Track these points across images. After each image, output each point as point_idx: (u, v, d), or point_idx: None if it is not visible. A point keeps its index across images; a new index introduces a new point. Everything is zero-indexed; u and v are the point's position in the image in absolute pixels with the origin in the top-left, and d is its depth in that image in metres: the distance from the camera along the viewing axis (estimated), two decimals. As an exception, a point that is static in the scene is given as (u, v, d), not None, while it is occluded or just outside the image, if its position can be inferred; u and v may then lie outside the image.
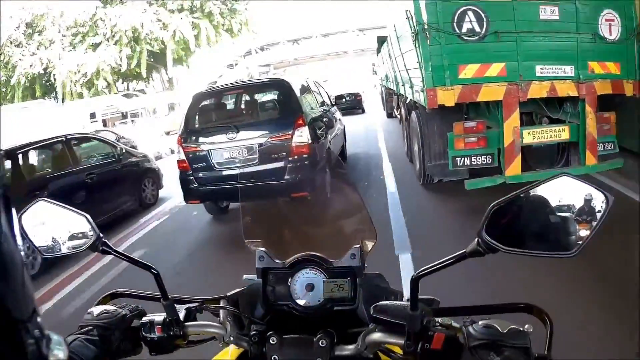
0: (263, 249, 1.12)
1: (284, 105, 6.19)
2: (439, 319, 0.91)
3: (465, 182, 5.54)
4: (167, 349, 1.05)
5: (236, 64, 47.43)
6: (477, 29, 5.15)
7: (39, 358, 0.47)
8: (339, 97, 9.60)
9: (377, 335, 0.93)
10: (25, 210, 1.05)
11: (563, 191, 0.80)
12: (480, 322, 0.85)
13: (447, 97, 5.19)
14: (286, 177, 5.62)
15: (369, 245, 1.13)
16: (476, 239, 0.81)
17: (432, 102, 5.29)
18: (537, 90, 5.34)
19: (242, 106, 7.20)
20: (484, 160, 5.52)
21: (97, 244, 1.03)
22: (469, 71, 5.19)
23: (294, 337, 0.98)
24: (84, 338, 0.95)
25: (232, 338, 1.02)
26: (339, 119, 9.15)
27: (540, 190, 0.80)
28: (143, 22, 28.34)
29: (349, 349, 0.96)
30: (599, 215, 0.77)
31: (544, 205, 0.80)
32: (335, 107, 9.23)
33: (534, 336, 0.83)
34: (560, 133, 5.61)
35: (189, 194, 6.22)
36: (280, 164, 5.69)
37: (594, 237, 0.77)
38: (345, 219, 1.29)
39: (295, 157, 5.63)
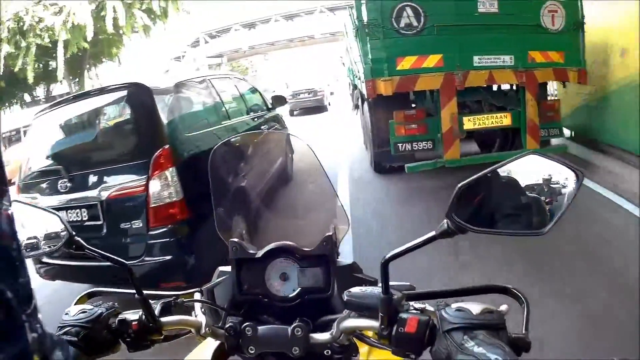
0: (236, 239, 1.34)
1: (138, 132, 4.80)
2: (413, 303, 1.11)
3: (406, 166, 7.27)
4: (144, 345, 1.25)
5: (183, 56, 46.94)
6: (415, 23, 6.87)
7: (40, 356, 0.58)
8: (276, 99, 8.31)
9: (351, 321, 1.14)
10: None
11: (531, 169, 1.00)
12: (453, 305, 1.02)
13: (386, 87, 6.88)
14: (146, 258, 4.40)
15: (341, 232, 1.38)
16: (445, 220, 1.00)
17: (371, 92, 7.08)
18: (475, 79, 7.08)
19: (80, 135, 5.54)
20: (424, 146, 7.27)
21: (71, 242, 1.26)
22: (406, 63, 6.91)
23: (269, 328, 1.20)
24: (61, 339, 1.11)
25: (207, 330, 1.22)
26: (278, 128, 8.13)
27: (508, 169, 1.00)
28: (27, 7, 24.29)
29: (325, 336, 1.17)
30: (570, 192, 0.97)
31: (512, 183, 1.00)
32: (275, 112, 8.41)
33: (512, 317, 1.01)
34: (502, 119, 7.41)
35: (39, 268, 5.08)
36: (136, 236, 4.49)
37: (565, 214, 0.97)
38: (318, 208, 1.58)
39: (158, 223, 4.41)
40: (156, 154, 4.40)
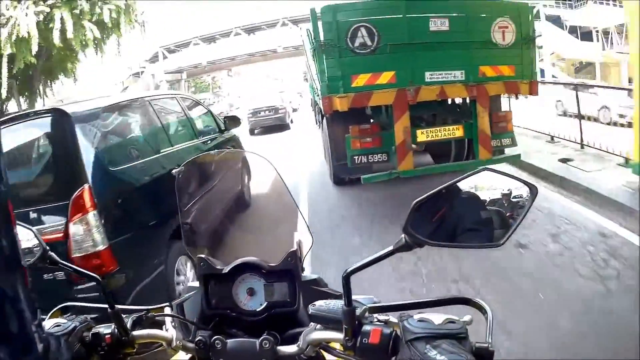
0: (203, 255, 1.46)
1: (56, 167, 4.34)
2: (377, 315, 1.25)
3: (362, 177, 7.97)
4: (118, 358, 1.37)
5: (142, 72, 46.62)
6: (369, 42, 7.55)
7: (42, 358, 0.62)
8: (230, 119, 7.99)
9: (316, 334, 1.27)
10: None
11: (486, 185, 1.13)
12: (415, 316, 1.15)
13: (342, 103, 7.56)
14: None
15: (305, 247, 1.51)
16: (402, 235, 1.12)
17: (327, 108, 7.78)
18: (427, 94, 7.76)
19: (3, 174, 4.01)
20: (379, 158, 8.00)
21: (44, 257, 1.38)
22: (360, 80, 7.59)
23: (238, 341, 1.33)
24: None
25: (178, 343, 1.35)
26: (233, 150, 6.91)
27: (463, 185, 1.13)
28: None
29: (292, 348, 1.30)
30: (524, 206, 1.12)
31: (467, 198, 1.14)
32: (231, 133, 8.27)
33: (476, 327, 1.13)
34: (455, 131, 8.15)
35: None
36: (61, 291, 3.95)
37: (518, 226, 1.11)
38: (283, 225, 1.69)
39: (82, 279, 3.75)
40: (75, 194, 3.96)
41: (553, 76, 19.42)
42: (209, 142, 7.09)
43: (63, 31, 23.81)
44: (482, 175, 1.11)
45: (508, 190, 1.12)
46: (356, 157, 8.06)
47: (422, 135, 8.02)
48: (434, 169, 8.48)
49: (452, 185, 1.12)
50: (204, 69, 49.88)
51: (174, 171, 1.79)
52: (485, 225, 1.14)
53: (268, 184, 1.77)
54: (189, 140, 6.42)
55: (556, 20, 39.71)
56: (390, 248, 1.14)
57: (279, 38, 43.80)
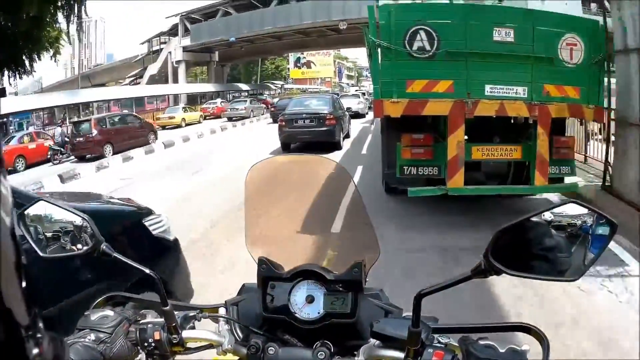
0: (265, 257, 1.69)
1: None
2: (437, 336, 1.46)
3: (408, 190, 9.09)
4: (164, 355, 1.58)
5: (161, 48, 45.90)
6: (428, 47, 8.67)
7: None
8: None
9: (376, 350, 1.49)
10: (24, 210, 1.59)
11: (570, 217, 1.33)
12: (480, 342, 1.36)
13: (394, 109, 8.69)
14: None
15: (371, 261, 1.76)
16: (481, 261, 1.31)
17: (378, 112, 8.94)
18: (486, 109, 8.81)
19: None
20: (430, 171, 9.18)
21: (97, 247, 1.58)
22: (416, 86, 8.71)
23: (292, 349, 1.54)
24: (81, 343, 1.45)
25: (230, 347, 1.57)
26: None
27: (548, 216, 1.33)
28: None
29: None
30: (602, 241, 1.31)
31: (550, 230, 1.33)
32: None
33: (530, 356, 1.33)
34: (512, 152, 9.28)
35: None
36: None
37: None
38: (350, 234, 2.01)
39: None
40: None
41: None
42: None
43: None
44: (567, 207, 1.32)
45: (584, 223, 1.33)
46: (405, 168, 9.29)
47: (478, 153, 9.16)
48: (486, 190, 9.61)
49: (535, 216, 1.33)
50: (241, 50, 47.33)
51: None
52: (558, 257, 1.35)
53: (344, 190, 2.02)
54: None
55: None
56: (468, 273, 1.35)
57: (341, 10, 40.14)
